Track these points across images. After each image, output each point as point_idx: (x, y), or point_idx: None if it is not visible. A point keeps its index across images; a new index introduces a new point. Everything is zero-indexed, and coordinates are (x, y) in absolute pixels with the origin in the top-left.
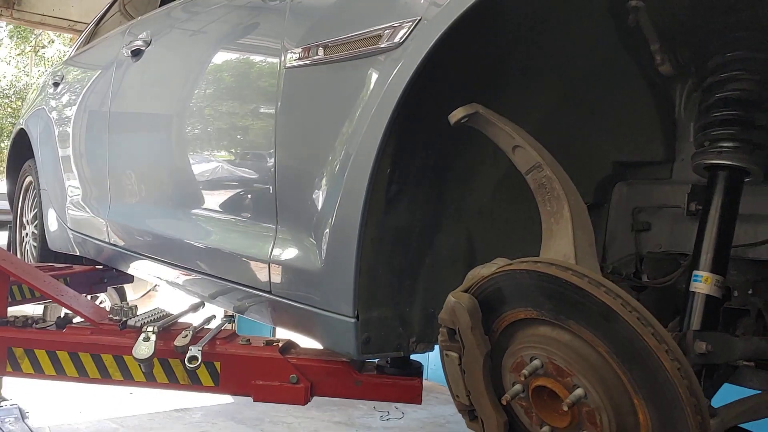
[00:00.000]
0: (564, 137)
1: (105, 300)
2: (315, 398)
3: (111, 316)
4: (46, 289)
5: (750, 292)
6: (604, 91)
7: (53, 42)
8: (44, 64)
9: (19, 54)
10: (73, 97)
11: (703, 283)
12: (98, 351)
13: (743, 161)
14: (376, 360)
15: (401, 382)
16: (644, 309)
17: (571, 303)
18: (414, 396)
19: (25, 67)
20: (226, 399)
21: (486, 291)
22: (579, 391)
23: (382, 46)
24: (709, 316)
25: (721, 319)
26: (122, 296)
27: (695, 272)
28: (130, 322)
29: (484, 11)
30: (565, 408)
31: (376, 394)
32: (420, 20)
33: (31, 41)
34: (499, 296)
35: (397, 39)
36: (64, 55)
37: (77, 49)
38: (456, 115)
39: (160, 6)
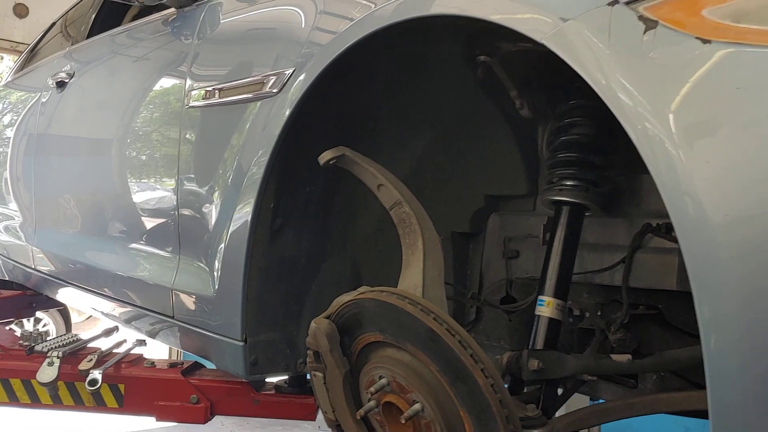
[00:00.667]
0: (439, 173)
1: (49, 323)
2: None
3: (21, 342)
4: None
5: (598, 313)
6: (473, 133)
7: (2, 58)
8: None
9: None
10: (8, 125)
11: (546, 306)
12: (6, 375)
13: (581, 198)
14: (275, 380)
15: (296, 401)
16: (465, 333)
17: (407, 328)
18: (308, 413)
19: None
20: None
21: (344, 316)
22: (417, 406)
23: (265, 92)
24: (549, 337)
25: (575, 338)
26: (66, 319)
27: (540, 297)
28: (38, 348)
29: (347, 67)
30: (403, 421)
31: (273, 412)
32: (294, 72)
33: None
34: (355, 321)
35: (276, 86)
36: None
37: (14, 74)
38: (324, 156)
39: (87, 38)
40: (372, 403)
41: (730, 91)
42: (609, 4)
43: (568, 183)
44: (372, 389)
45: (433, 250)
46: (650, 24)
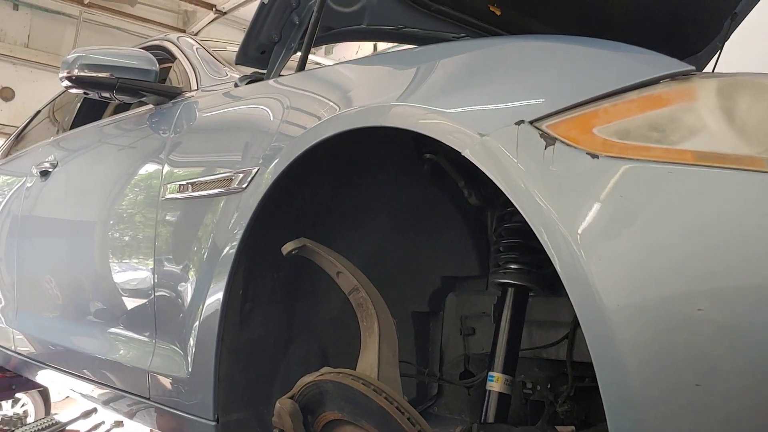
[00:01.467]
0: (397, 258)
1: (27, 403)
2: None
3: (1, 426)
4: None
5: (548, 386)
6: (426, 220)
7: None
8: None
9: None
10: None
11: (495, 382)
12: None
13: (523, 280)
14: None
15: None
16: (414, 411)
17: (362, 407)
18: None
19: None
20: None
21: (306, 396)
22: None
23: (233, 187)
24: (499, 410)
25: (528, 410)
26: (46, 399)
27: (489, 373)
28: None
29: (307, 165)
30: None
31: None
32: (259, 169)
33: None
34: (316, 401)
35: (243, 183)
36: None
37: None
38: (287, 247)
39: (71, 128)
40: None
41: (615, 199)
42: (516, 123)
43: (512, 266)
44: None
45: (387, 333)
46: (550, 141)
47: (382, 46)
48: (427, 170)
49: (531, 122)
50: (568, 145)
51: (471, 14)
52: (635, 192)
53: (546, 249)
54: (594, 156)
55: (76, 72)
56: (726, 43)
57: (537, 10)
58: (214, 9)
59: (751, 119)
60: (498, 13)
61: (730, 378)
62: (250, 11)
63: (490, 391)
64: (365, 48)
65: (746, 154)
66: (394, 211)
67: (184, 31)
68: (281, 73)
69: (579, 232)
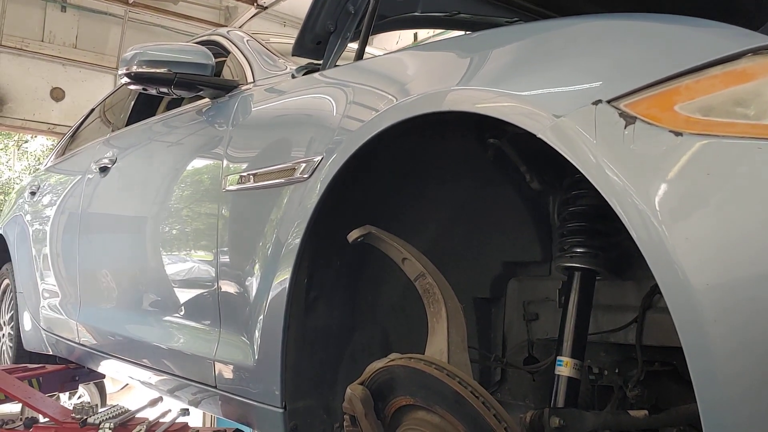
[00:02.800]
0: (458, 244)
1: (84, 394)
2: None
3: (74, 415)
4: (14, 392)
5: (616, 371)
6: (487, 205)
7: (36, 137)
8: (27, 158)
9: (1, 149)
10: (49, 206)
11: (564, 366)
12: None
13: (590, 264)
14: None
15: None
16: (488, 395)
17: (435, 392)
18: None
19: (8, 162)
20: None
21: (377, 382)
22: None
23: (297, 176)
24: (569, 395)
25: (595, 395)
26: (101, 390)
27: (558, 357)
28: (90, 420)
29: (370, 155)
30: None
31: None
32: (322, 159)
33: (14, 137)
34: (387, 386)
35: (306, 172)
36: (46, 150)
37: (55, 158)
38: (353, 235)
39: (126, 125)
40: None
41: (701, 177)
42: (594, 103)
43: (578, 250)
44: None
45: (455, 318)
46: (629, 120)
47: (423, 35)
48: (491, 156)
49: (609, 101)
50: (649, 123)
51: None
52: (722, 169)
53: (629, 230)
54: (677, 134)
55: (134, 69)
56: None
57: None
58: (255, 4)
59: None
60: None
61: None
62: (290, 5)
63: (559, 375)
64: (405, 37)
65: None
66: (455, 198)
67: (226, 27)
68: (337, 64)
69: (664, 211)
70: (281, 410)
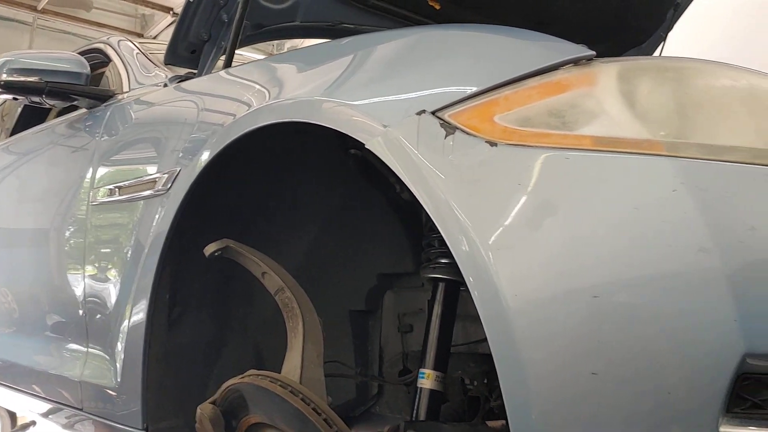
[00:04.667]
0: (332, 256)
1: None
2: None
3: None
4: None
5: (484, 381)
6: (360, 217)
7: None
8: None
9: None
10: None
11: (426, 378)
12: None
13: (453, 275)
14: None
15: None
16: (331, 412)
17: (280, 409)
18: None
19: None
20: None
21: (228, 400)
22: None
23: (159, 188)
24: (431, 407)
25: (466, 407)
26: (12, 416)
27: (420, 370)
28: None
29: (229, 163)
30: None
31: None
32: (179, 171)
33: None
34: (238, 404)
35: (167, 183)
36: None
37: None
38: (209, 249)
39: (11, 134)
40: None
41: (513, 187)
42: (418, 113)
43: (443, 261)
44: None
45: (312, 333)
46: (450, 130)
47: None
48: (353, 166)
49: (433, 112)
50: (467, 133)
51: (409, 9)
52: (532, 179)
53: (447, 241)
54: (492, 144)
55: (4, 77)
56: (670, 33)
57: (478, 3)
58: (171, 12)
59: (651, 103)
60: (437, 7)
61: (624, 365)
62: None
63: (421, 388)
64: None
65: (645, 138)
66: (328, 209)
67: (142, 35)
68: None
69: (477, 222)
70: None
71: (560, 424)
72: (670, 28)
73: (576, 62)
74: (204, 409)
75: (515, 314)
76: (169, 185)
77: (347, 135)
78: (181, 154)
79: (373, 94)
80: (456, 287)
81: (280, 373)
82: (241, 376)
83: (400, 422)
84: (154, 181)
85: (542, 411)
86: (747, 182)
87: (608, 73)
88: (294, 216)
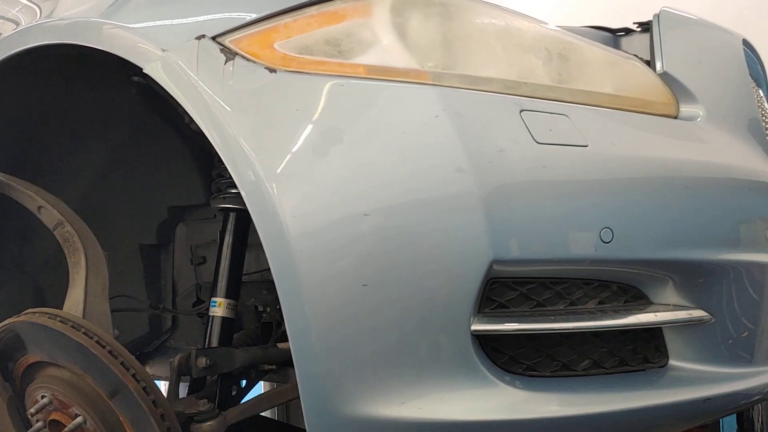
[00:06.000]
0: (120, 189)
1: None
2: None
3: None
4: None
5: (277, 307)
6: (148, 148)
7: None
8: None
9: None
10: None
11: (218, 307)
12: None
13: (242, 204)
14: None
15: None
16: (117, 344)
17: (60, 345)
18: None
19: None
20: None
21: (3, 340)
22: (78, 420)
23: None
24: (223, 335)
25: (260, 333)
26: None
27: (212, 299)
28: None
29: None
30: None
31: None
32: None
33: None
34: (14, 345)
35: None
36: None
37: None
38: None
39: None
40: (39, 423)
41: (290, 112)
42: (197, 38)
43: (232, 191)
44: (33, 410)
45: (95, 267)
46: (230, 56)
47: None
48: (135, 95)
49: (213, 37)
50: (247, 59)
51: None
52: (309, 106)
53: (228, 169)
54: (272, 70)
55: None
56: None
57: None
58: None
59: (420, 35)
60: None
61: (390, 275)
62: None
63: (213, 316)
64: None
65: (413, 68)
66: (112, 139)
67: None
68: None
69: (257, 146)
70: None
71: (339, 336)
72: None
73: None
74: None
75: (293, 236)
76: None
77: (129, 62)
78: None
79: (154, 17)
80: (247, 216)
81: (62, 309)
82: (16, 316)
83: (190, 350)
84: None
85: (322, 327)
86: (499, 110)
87: (383, 4)
88: (76, 147)
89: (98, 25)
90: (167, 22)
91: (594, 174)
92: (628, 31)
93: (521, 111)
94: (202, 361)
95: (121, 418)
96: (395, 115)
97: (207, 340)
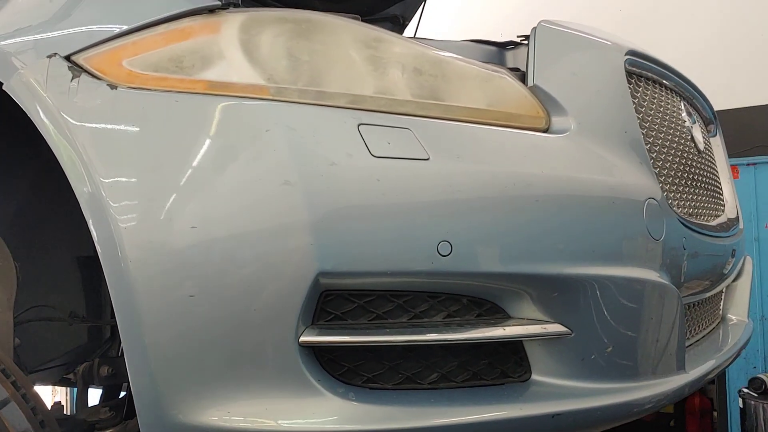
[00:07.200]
0: (56, 201)
1: None
2: None
3: None
4: None
5: None
6: None
7: None
8: None
9: None
10: None
11: None
12: None
13: None
14: None
15: None
16: (7, 359)
17: None
18: None
19: None
20: None
21: None
22: None
23: None
24: None
25: None
26: None
27: None
28: None
29: None
30: None
31: None
32: None
33: None
34: None
35: None
36: None
37: None
38: None
39: None
40: None
41: (127, 128)
42: (48, 56)
43: None
44: None
45: (4, 278)
46: (76, 73)
47: None
48: None
49: (68, 55)
50: (93, 76)
51: None
52: (145, 120)
53: (70, 182)
54: (113, 87)
55: None
56: None
57: None
58: None
59: (266, 51)
60: None
61: (216, 287)
62: None
63: None
64: None
65: (255, 83)
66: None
67: None
68: None
69: (98, 163)
70: None
71: (169, 345)
72: None
73: (202, 12)
74: None
75: (125, 245)
76: None
77: None
78: None
79: (19, 34)
80: None
81: None
82: None
83: (94, 359)
84: None
85: (154, 337)
86: (336, 124)
87: (232, 22)
88: (15, 156)
89: None
90: (28, 39)
91: (433, 187)
92: (515, 45)
93: (359, 125)
94: (105, 370)
95: (9, 428)
96: (227, 130)
97: (119, 349)
